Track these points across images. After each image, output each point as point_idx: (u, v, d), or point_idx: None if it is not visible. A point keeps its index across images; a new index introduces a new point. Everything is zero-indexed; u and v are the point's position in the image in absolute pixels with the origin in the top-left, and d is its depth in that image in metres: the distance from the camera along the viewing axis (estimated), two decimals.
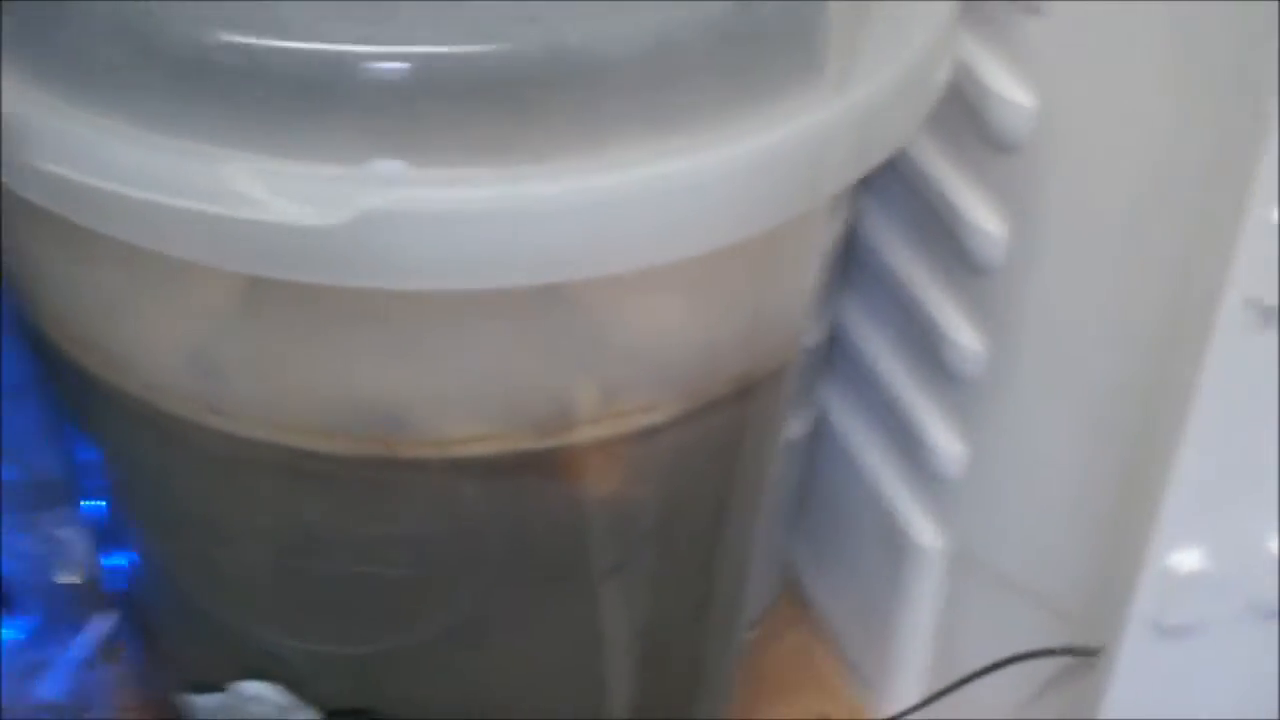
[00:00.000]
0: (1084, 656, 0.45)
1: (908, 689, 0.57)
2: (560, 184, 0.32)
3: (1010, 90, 0.43)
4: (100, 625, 0.60)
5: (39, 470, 0.61)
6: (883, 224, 0.52)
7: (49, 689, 0.58)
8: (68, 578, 0.60)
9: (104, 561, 0.52)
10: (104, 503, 0.48)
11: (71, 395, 0.43)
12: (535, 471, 0.39)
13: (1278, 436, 0.41)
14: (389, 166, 0.32)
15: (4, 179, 0.34)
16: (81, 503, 0.51)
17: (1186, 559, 0.43)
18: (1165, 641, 0.44)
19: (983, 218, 0.46)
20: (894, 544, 0.55)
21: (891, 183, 0.39)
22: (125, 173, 0.32)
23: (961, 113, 0.45)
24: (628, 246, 0.33)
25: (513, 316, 0.36)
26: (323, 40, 0.32)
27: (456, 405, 0.37)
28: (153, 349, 0.38)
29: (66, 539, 0.60)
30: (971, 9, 0.42)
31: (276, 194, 0.31)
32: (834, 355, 0.57)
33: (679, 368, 0.39)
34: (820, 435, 0.59)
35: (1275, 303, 0.38)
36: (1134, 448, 0.42)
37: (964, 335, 0.49)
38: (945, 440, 0.51)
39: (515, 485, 0.40)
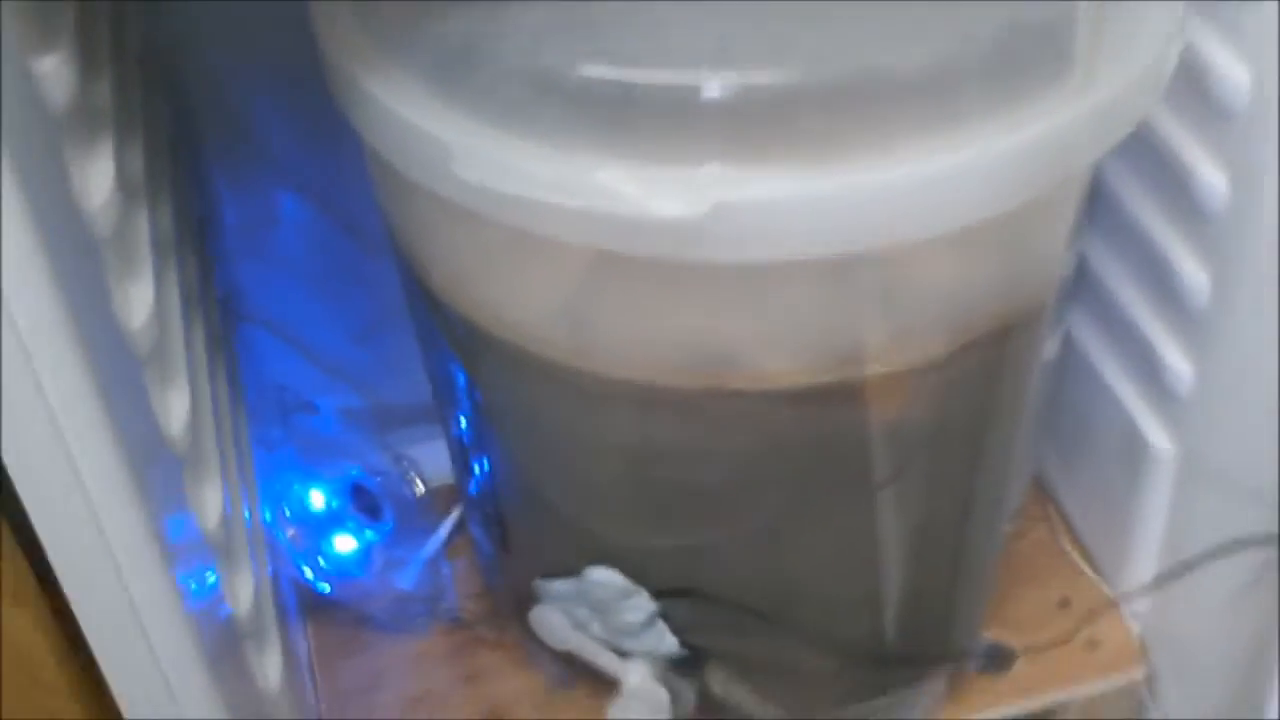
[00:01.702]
0: None
1: (1140, 575, 0.62)
2: (862, 176, 0.39)
3: (1229, 66, 0.48)
4: (446, 528, 0.69)
5: (385, 398, 0.71)
6: (1122, 173, 0.56)
7: (406, 581, 0.67)
8: (417, 489, 0.70)
9: (462, 474, 0.60)
10: (465, 425, 0.56)
11: (454, 339, 0.50)
12: (833, 399, 0.47)
13: None
14: (729, 168, 0.39)
15: (429, 184, 0.43)
16: (440, 425, 0.59)
17: None
18: None
19: (1207, 171, 0.51)
20: (1131, 448, 0.60)
21: (1129, 138, 0.44)
22: (528, 179, 0.40)
23: (1188, 83, 0.49)
24: (913, 222, 0.40)
25: (822, 278, 0.43)
26: (673, 71, 0.39)
27: (774, 347, 0.45)
28: (533, 308, 0.46)
29: (415, 457, 0.70)
30: None
31: (647, 192, 0.39)
32: (1079, 282, 0.61)
33: (952, 314, 0.45)
34: (1067, 352, 0.63)
35: None
36: None
37: (1191, 271, 0.54)
38: (1176, 360, 0.56)
39: (817, 410, 0.47)
